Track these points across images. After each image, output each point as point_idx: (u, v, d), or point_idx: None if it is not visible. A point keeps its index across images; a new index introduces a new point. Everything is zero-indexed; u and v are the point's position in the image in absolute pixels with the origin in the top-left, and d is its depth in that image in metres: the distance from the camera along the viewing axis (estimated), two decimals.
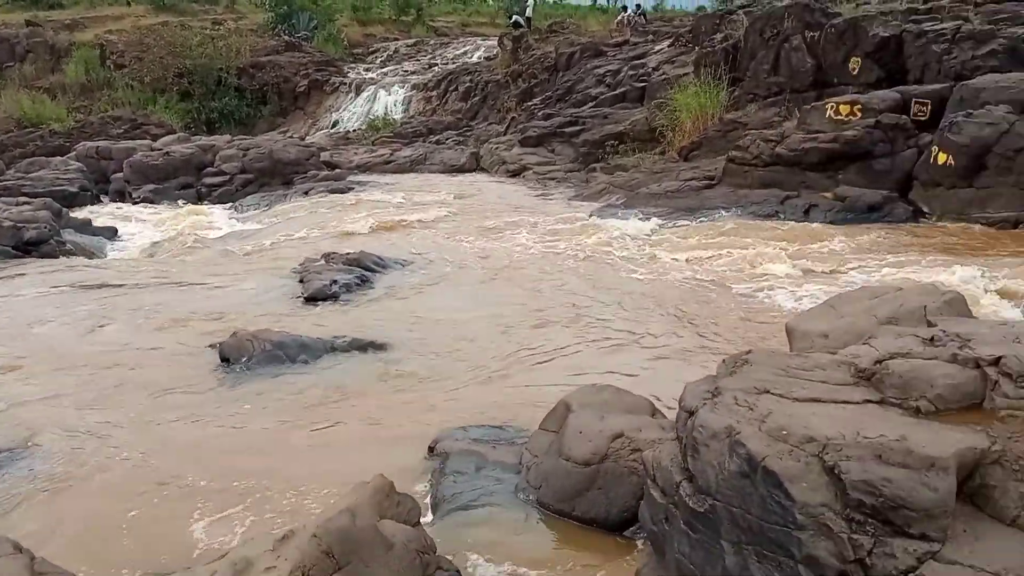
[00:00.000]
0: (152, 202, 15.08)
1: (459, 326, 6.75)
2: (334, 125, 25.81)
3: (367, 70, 29.34)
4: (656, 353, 6.01)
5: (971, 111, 10.01)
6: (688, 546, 2.79)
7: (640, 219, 10.87)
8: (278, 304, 7.59)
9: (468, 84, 24.83)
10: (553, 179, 15.31)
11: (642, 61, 19.58)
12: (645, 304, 7.21)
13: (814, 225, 9.97)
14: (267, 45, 28.92)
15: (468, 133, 21.55)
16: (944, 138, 10.13)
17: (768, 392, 2.85)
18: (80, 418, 4.95)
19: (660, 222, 10.68)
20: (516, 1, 33.94)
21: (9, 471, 4.25)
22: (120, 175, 16.17)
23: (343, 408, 5.11)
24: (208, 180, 15.81)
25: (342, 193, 14.53)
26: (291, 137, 22.13)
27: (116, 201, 15.62)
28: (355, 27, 33.96)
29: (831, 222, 10.05)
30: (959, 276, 7.05)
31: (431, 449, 4.35)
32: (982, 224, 9.51)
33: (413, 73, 28.18)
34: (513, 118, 20.69)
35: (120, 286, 8.38)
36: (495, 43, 27.53)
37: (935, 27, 12.10)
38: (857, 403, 2.76)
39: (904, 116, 10.95)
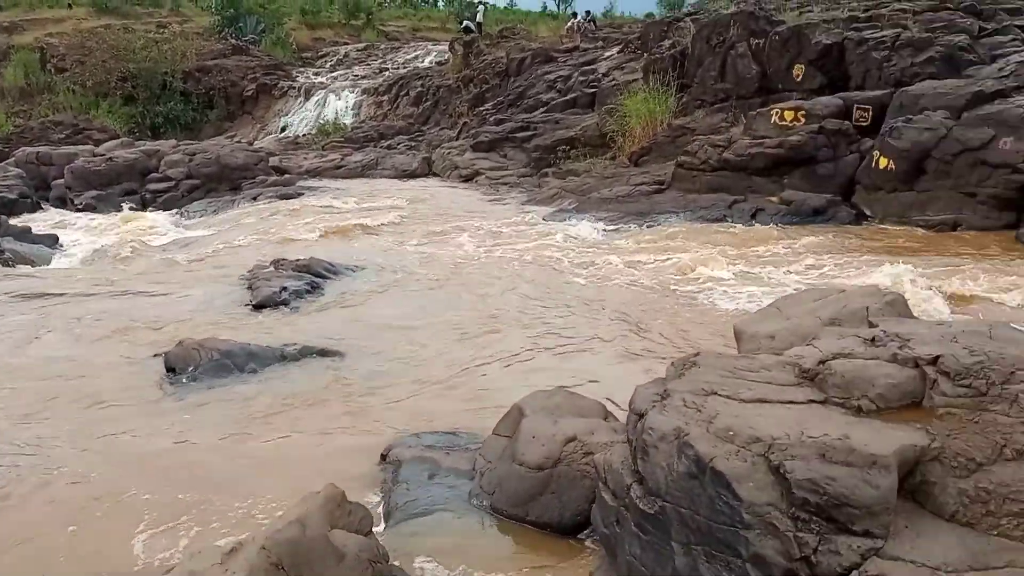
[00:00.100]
0: (95, 209, 14.70)
1: (411, 332, 6.71)
2: (283, 130, 25.53)
3: (316, 74, 29.09)
4: (608, 356, 6.05)
5: (910, 117, 10.31)
6: (639, 548, 2.81)
7: (592, 224, 10.96)
8: (226, 312, 7.44)
9: (420, 89, 24.78)
10: (506, 184, 15.34)
11: (592, 67, 19.77)
12: (597, 308, 7.25)
13: (761, 228, 10.16)
14: (213, 49, 28.49)
15: (420, 138, 21.49)
16: (885, 143, 10.41)
17: (716, 393, 2.89)
18: (16, 432, 4.78)
19: (611, 227, 10.78)
20: (467, 6, 33.99)
21: None
22: (61, 181, 15.76)
23: (293, 417, 5.03)
24: (153, 186, 15.48)
25: (292, 199, 14.36)
26: (239, 142, 21.79)
27: (57, 208, 15.21)
28: (304, 31, 33.66)
29: (778, 225, 10.25)
30: (897, 277, 7.24)
31: (384, 457, 4.30)
32: (922, 227, 9.79)
33: (364, 78, 28.02)
34: (465, 123, 20.69)
35: (60, 295, 8.14)
36: (446, 48, 27.55)
37: (875, 35, 12.44)
38: (802, 403, 2.81)
39: (847, 122, 11.24)
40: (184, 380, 5.60)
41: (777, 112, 11.69)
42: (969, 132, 9.77)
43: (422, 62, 28.99)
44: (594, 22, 27.42)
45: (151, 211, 14.54)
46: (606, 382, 5.24)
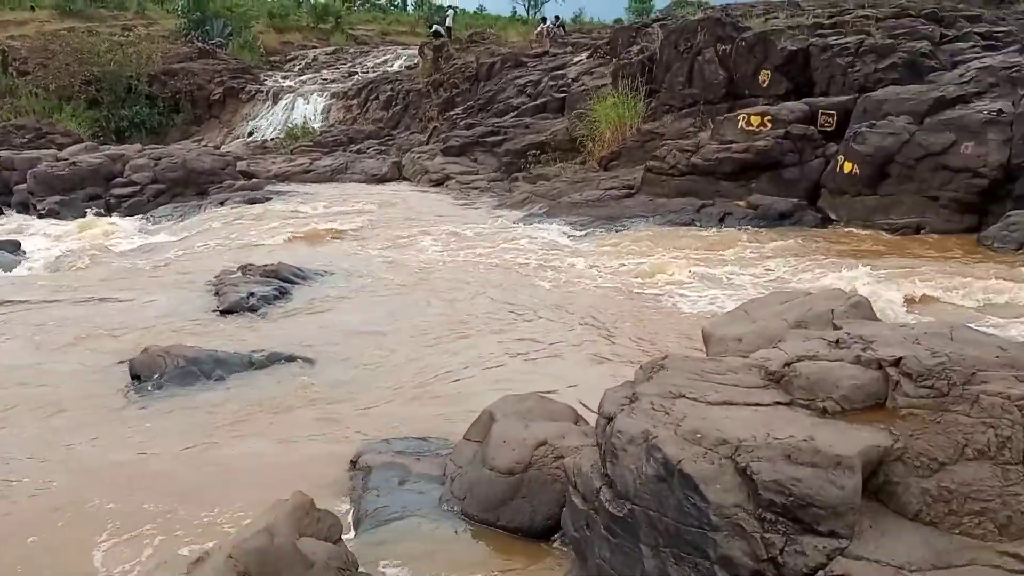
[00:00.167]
0: (58, 214, 14.41)
1: (380, 338, 6.67)
2: (251, 134, 25.28)
3: (284, 78, 28.83)
4: (577, 360, 6.06)
5: (874, 122, 10.49)
6: (609, 551, 2.82)
7: (562, 228, 11.00)
8: (192, 318, 7.35)
9: (389, 93, 24.66)
10: (476, 188, 15.33)
11: (562, 72, 19.84)
12: (566, 312, 7.27)
13: (729, 232, 10.25)
14: (180, 52, 28.11)
15: (390, 142, 21.38)
16: (849, 148, 10.57)
17: (683, 396, 2.91)
18: None
19: (581, 231, 10.82)
20: (436, 11, 33.96)
21: None
22: (23, 186, 15.42)
23: (261, 424, 4.97)
24: (117, 191, 15.20)
25: (260, 203, 14.20)
26: (206, 146, 21.57)
27: (20, 213, 14.91)
28: (272, 34, 33.36)
29: (745, 229, 10.35)
30: (857, 280, 7.36)
31: (353, 463, 4.27)
32: (886, 230, 9.95)
33: (332, 82, 27.83)
34: (435, 127, 20.64)
35: (22, 302, 7.98)
36: (416, 52, 27.45)
37: (839, 41, 12.64)
38: (768, 405, 2.84)
39: (812, 127, 11.40)
40: (149, 388, 5.51)
41: (744, 117, 11.83)
42: (931, 137, 9.96)
43: (391, 66, 28.85)
44: (563, 27, 27.54)
45: (116, 216, 14.31)
46: (576, 386, 5.25)
